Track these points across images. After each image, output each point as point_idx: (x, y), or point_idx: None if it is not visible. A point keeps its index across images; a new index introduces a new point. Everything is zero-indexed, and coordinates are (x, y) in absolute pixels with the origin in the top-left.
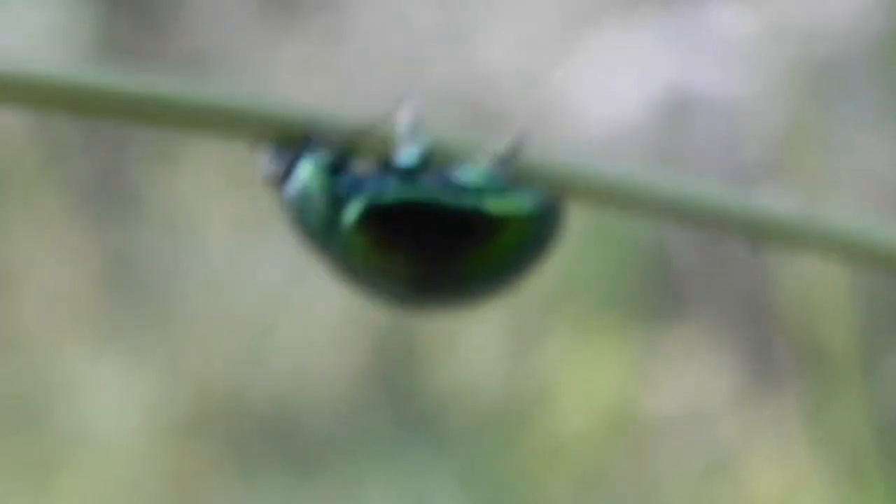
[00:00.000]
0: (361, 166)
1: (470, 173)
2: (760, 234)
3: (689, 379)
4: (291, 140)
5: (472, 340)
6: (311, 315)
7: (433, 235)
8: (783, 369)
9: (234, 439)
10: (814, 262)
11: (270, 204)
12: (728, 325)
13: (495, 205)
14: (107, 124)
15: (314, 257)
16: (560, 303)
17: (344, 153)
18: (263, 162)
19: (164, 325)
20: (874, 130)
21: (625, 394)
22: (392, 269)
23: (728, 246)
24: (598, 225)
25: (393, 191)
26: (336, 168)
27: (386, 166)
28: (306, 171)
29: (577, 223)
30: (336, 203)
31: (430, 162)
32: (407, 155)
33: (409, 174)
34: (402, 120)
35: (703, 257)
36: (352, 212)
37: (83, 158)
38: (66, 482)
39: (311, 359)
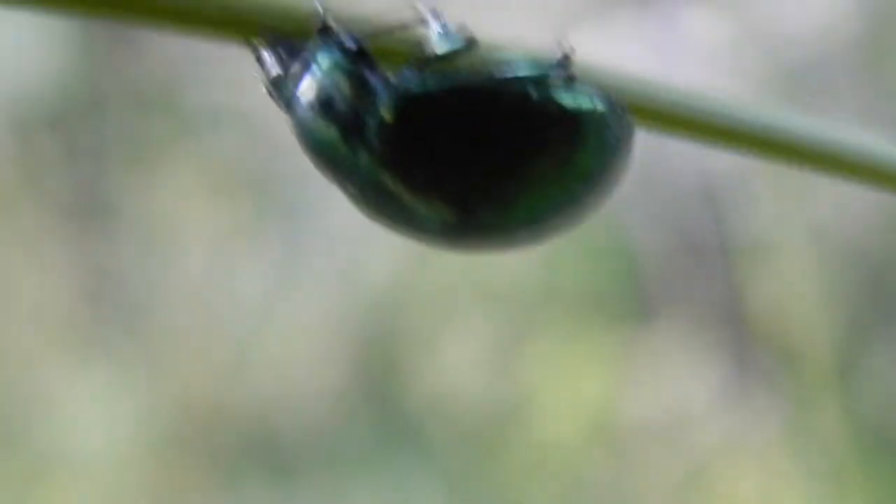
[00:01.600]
0: (387, 69)
1: (527, 65)
2: (796, 156)
3: (668, 385)
4: (305, 32)
5: (453, 349)
6: (293, 327)
7: (487, 136)
8: (762, 373)
9: (217, 453)
10: (790, 264)
11: (252, 215)
12: (707, 331)
13: (560, 96)
14: (86, 135)
15: (331, 177)
16: (540, 310)
17: (366, 50)
18: (268, 61)
19: (146, 339)
20: None
21: (606, 400)
22: (436, 182)
23: (705, 251)
24: (576, 231)
25: (439, 78)
26: (363, 60)
27: (418, 62)
28: (325, 66)
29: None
30: (367, 97)
31: (466, 50)
32: (443, 42)
33: (445, 66)
34: (431, 16)
35: (681, 262)
36: (389, 104)
37: (62, 172)
38: (48, 498)
39: (294, 371)
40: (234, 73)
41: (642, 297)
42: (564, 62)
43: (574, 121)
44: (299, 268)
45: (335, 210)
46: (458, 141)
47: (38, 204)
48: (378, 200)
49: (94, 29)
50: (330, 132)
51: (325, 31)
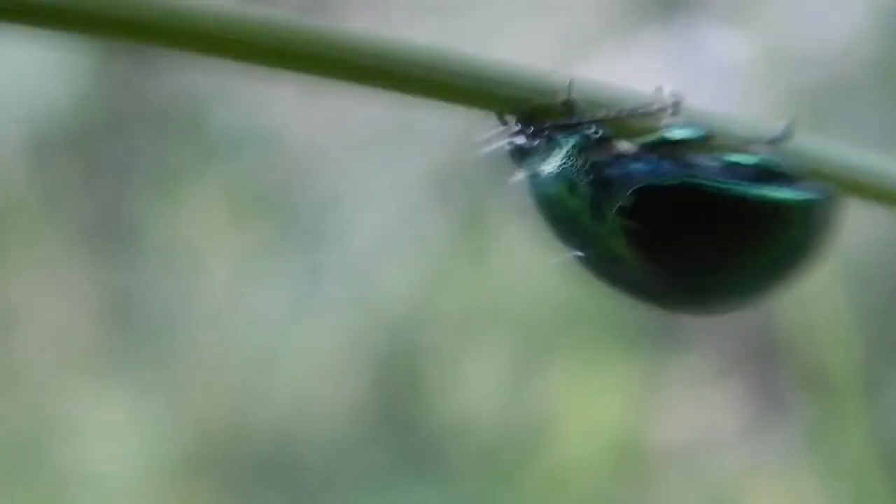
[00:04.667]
0: (620, 147)
1: (748, 159)
2: None
3: (692, 409)
4: (548, 112)
5: (474, 372)
6: (312, 350)
7: (709, 224)
8: (787, 399)
9: (236, 475)
10: (812, 285)
11: (272, 239)
12: (731, 356)
13: (778, 193)
14: (107, 158)
15: (563, 242)
16: (562, 333)
17: (608, 131)
18: (505, 136)
19: (167, 362)
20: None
21: (628, 425)
22: (660, 260)
23: None
24: None
25: (671, 173)
26: (605, 142)
27: (652, 146)
28: (566, 149)
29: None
30: (604, 185)
31: (701, 140)
32: (679, 130)
33: (680, 151)
34: (667, 99)
35: None
36: (624, 195)
37: (83, 195)
38: None
39: (312, 394)
40: (256, 98)
41: (666, 321)
42: (780, 147)
43: (797, 205)
44: (319, 291)
45: (355, 234)
46: (691, 221)
47: (58, 227)
48: (608, 266)
49: (115, 51)
50: (570, 204)
51: (571, 111)
